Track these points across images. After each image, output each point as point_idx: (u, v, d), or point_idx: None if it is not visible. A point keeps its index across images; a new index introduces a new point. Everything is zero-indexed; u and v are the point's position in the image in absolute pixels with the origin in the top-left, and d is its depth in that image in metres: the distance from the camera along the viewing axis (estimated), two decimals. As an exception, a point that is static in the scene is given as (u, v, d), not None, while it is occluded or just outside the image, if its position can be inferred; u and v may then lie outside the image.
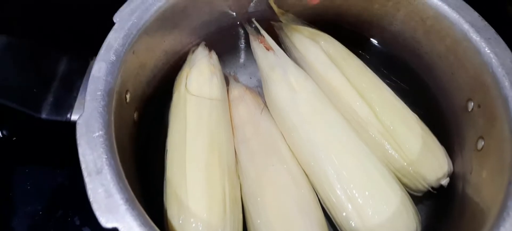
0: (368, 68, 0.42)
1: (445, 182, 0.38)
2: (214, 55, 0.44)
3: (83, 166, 0.27)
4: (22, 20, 0.39)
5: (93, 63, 0.32)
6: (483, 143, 0.35)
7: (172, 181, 0.34)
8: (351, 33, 0.45)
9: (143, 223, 0.25)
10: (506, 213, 0.27)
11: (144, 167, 0.36)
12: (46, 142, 0.43)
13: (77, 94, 0.32)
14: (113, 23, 0.34)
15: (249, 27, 0.46)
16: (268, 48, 0.44)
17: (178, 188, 0.33)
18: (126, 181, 0.27)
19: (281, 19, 0.46)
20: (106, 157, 0.27)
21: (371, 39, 0.46)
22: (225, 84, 0.44)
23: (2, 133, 0.43)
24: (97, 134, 0.28)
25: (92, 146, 0.27)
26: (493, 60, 0.34)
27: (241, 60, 0.50)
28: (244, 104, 0.42)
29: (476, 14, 0.37)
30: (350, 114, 0.40)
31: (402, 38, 0.44)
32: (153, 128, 0.40)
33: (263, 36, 0.45)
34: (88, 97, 0.30)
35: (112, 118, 0.30)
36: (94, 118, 0.29)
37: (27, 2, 0.39)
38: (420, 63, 0.43)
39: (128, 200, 0.26)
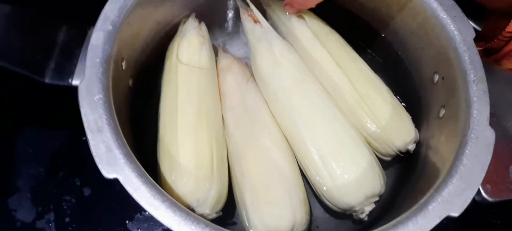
0: (347, 44, 0.46)
1: (411, 147, 0.42)
2: (203, 27, 0.47)
3: (85, 125, 0.30)
4: None
5: (91, 33, 0.34)
6: (444, 111, 0.39)
7: (164, 141, 0.38)
8: (334, 9, 0.48)
9: (140, 174, 0.29)
10: (454, 170, 0.32)
11: (139, 129, 0.39)
12: (46, 106, 0.46)
13: (76, 61, 0.34)
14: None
15: (239, 1, 0.49)
16: (256, 21, 0.47)
17: (170, 148, 0.37)
18: (124, 139, 0.31)
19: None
20: (106, 117, 0.31)
21: (352, 13, 0.49)
22: (214, 55, 0.47)
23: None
24: (97, 97, 0.31)
25: (93, 108, 0.31)
26: (457, 36, 0.38)
27: (230, 32, 0.53)
28: (231, 74, 0.46)
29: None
30: (329, 84, 0.44)
31: (378, 14, 0.47)
32: (147, 93, 0.43)
33: (252, 10, 0.48)
34: (88, 63, 0.32)
35: (110, 83, 0.33)
36: (94, 83, 0.32)
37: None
38: (395, 38, 0.47)
39: (126, 155, 0.29)
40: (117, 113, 0.33)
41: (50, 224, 0.42)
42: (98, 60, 0.33)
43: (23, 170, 0.44)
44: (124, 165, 0.29)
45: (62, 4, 0.42)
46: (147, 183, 0.29)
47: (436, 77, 0.41)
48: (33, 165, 0.44)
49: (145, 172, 0.30)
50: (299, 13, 0.46)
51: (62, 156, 0.44)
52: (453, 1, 0.40)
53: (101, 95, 0.31)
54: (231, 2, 0.50)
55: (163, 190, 0.29)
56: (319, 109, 0.41)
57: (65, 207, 0.43)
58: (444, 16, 0.39)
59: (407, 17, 0.44)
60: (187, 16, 0.47)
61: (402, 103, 0.44)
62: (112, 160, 0.29)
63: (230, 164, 0.41)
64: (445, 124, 0.39)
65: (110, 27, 0.35)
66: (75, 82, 0.33)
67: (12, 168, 0.43)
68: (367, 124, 0.42)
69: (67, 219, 0.42)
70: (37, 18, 0.35)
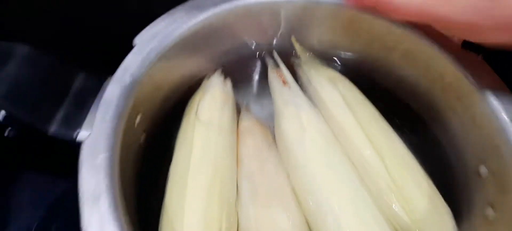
0: (382, 117, 0.42)
1: (449, 247, 0.37)
2: (228, 83, 0.44)
3: (81, 190, 0.27)
4: (45, 31, 0.40)
5: (107, 83, 0.32)
6: (492, 212, 0.34)
7: (169, 210, 0.34)
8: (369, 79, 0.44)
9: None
10: None
11: (146, 192, 0.36)
12: (49, 149, 0.43)
13: (87, 113, 0.32)
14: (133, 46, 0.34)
15: (269, 60, 0.46)
16: (284, 82, 0.44)
17: (175, 219, 0.33)
18: (122, 212, 0.27)
19: (301, 57, 0.46)
20: (106, 183, 0.27)
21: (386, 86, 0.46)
22: (235, 114, 0.44)
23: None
24: (100, 158, 0.28)
25: (94, 170, 0.28)
26: (511, 128, 0.33)
27: (256, 90, 0.50)
28: (252, 137, 0.42)
29: (497, 77, 0.36)
30: (359, 161, 0.39)
31: (418, 89, 0.43)
32: (160, 152, 0.40)
33: (281, 70, 0.45)
34: (97, 119, 0.30)
35: (118, 143, 0.30)
36: (100, 141, 0.29)
37: (52, 14, 0.40)
38: (434, 117, 0.42)
39: (121, 233, 0.26)
40: (122, 176, 0.30)
41: None
42: (109, 116, 0.30)
43: (14, 219, 0.40)
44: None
45: (84, 48, 0.41)
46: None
47: (483, 170, 0.36)
48: (26, 215, 0.40)
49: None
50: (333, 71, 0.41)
51: (58, 207, 0.41)
52: (506, 87, 0.36)
53: (105, 156, 0.28)
54: (260, 60, 0.48)
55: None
56: (345, 188, 0.37)
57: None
58: (496, 103, 0.35)
59: (451, 97, 0.40)
60: (214, 71, 0.44)
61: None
62: (105, 237, 0.25)
63: (240, 243, 0.36)
64: (495, 228, 0.33)
65: (128, 80, 0.32)
66: (80, 137, 0.31)
67: (3, 218, 0.40)
68: (399, 214, 0.37)
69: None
70: (56, 63, 0.34)
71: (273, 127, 0.44)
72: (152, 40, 0.34)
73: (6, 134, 0.32)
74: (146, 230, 0.31)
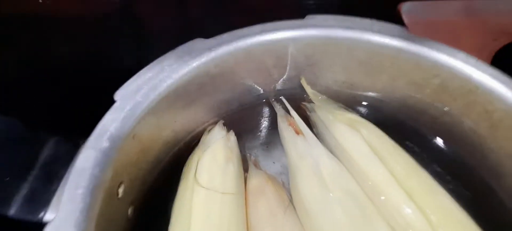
0: (419, 165, 0.35)
1: None
2: (232, 137, 0.38)
3: None
4: (8, 92, 0.35)
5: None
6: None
7: None
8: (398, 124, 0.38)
9: None
10: None
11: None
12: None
13: (57, 187, 0.25)
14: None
15: (277, 106, 0.40)
16: (297, 132, 0.38)
17: None
18: None
19: (313, 100, 0.40)
20: None
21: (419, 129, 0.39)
22: (242, 173, 0.37)
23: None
24: (67, 248, 0.21)
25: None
26: None
27: (264, 141, 0.43)
28: (264, 199, 0.35)
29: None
30: (397, 222, 0.32)
31: (458, 129, 0.36)
32: (152, 225, 0.33)
33: (293, 118, 0.39)
34: (65, 196, 0.23)
35: (92, 225, 0.23)
36: (67, 226, 0.22)
37: (18, 74, 0.35)
38: (484, 164, 0.35)
39: None
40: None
41: None
42: (80, 191, 0.24)
43: None
44: None
45: (56, 110, 0.35)
46: None
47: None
48: None
49: None
50: (353, 113, 0.35)
51: None
52: None
53: (74, 246, 0.22)
54: (266, 108, 0.42)
55: None
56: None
57: None
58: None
59: (502, 136, 0.33)
60: (214, 124, 0.38)
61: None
62: None
63: None
64: None
65: (106, 144, 0.26)
66: (47, 217, 0.24)
67: None
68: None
69: None
70: (22, 130, 0.28)
71: (289, 184, 0.37)
72: (136, 94, 0.29)
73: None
74: None
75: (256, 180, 0.37)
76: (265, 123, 0.44)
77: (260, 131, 0.44)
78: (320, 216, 0.32)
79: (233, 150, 0.37)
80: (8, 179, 0.26)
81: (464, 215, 0.32)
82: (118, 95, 0.29)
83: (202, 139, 0.37)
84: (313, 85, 0.40)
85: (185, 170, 0.35)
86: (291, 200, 0.36)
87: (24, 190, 0.26)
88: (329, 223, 0.31)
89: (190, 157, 0.36)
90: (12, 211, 0.25)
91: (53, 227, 0.22)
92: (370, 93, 0.40)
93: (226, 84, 0.36)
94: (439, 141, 0.37)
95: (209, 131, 0.38)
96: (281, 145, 0.40)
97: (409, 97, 0.37)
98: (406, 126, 0.39)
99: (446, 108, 0.35)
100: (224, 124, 0.39)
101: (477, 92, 0.32)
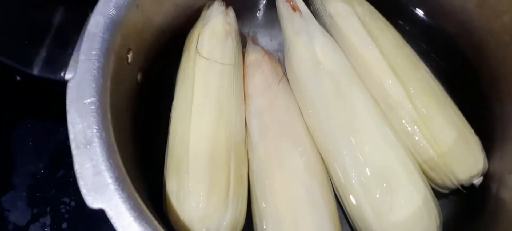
0: (406, 43, 0.37)
1: (477, 181, 0.34)
2: (231, 13, 0.39)
3: (71, 137, 0.24)
4: None
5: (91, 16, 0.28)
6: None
7: (173, 154, 0.31)
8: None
9: (133, 207, 0.23)
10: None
11: (146, 134, 0.33)
12: (48, 95, 0.41)
13: (72, 50, 0.28)
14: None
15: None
16: (295, 8, 0.39)
17: (180, 162, 0.30)
18: (118, 157, 0.24)
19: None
20: (97, 127, 0.24)
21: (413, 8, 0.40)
22: (241, 47, 0.39)
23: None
24: (88, 101, 0.25)
25: (83, 114, 0.24)
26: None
27: (262, 19, 0.45)
28: (260, 71, 0.38)
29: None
30: (380, 94, 0.35)
31: (450, 8, 0.38)
32: (159, 91, 0.36)
33: (291, -6, 0.40)
34: (81, 57, 0.26)
35: (108, 82, 0.27)
36: (86, 82, 0.25)
37: None
38: (468, 41, 0.37)
39: (118, 179, 0.23)
40: (118, 118, 0.27)
41: (46, 229, 0.37)
42: (94, 52, 0.26)
43: (20, 166, 0.39)
44: (114, 192, 0.23)
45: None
46: (141, 219, 0.23)
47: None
48: (32, 160, 0.39)
49: (142, 203, 0.23)
50: None
51: (64, 152, 0.39)
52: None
53: (94, 99, 0.25)
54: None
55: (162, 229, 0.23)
56: (366, 126, 0.33)
57: (63, 210, 0.38)
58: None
59: (487, 14, 0.34)
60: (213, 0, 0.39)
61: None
62: (99, 185, 0.23)
63: (250, 184, 0.34)
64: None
65: (113, 12, 0.28)
66: (68, 76, 0.27)
67: (9, 162, 0.39)
68: (423, 148, 0.33)
69: (64, 225, 0.37)
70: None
71: (284, 59, 0.40)
72: (138, -38, 0.29)
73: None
74: (148, 173, 0.28)
75: (253, 54, 0.40)
76: (264, 1, 0.44)
77: (260, 9, 0.45)
78: (311, 86, 0.35)
79: (232, 24, 0.38)
80: (27, 43, 0.28)
81: (440, 87, 0.36)
82: (120, -36, 0.29)
83: (202, 14, 0.39)
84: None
85: (187, 42, 0.37)
86: (285, 73, 0.39)
87: (43, 52, 0.28)
88: (318, 93, 0.35)
89: (192, 30, 0.38)
90: (36, 71, 0.28)
91: (74, 83, 0.25)
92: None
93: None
94: (430, 19, 0.39)
95: (209, 6, 0.39)
96: (279, 23, 0.41)
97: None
98: (399, 4, 0.40)
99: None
100: (223, 0, 0.39)
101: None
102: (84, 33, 0.28)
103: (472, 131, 0.35)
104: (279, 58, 0.41)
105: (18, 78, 0.41)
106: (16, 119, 0.41)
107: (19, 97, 0.42)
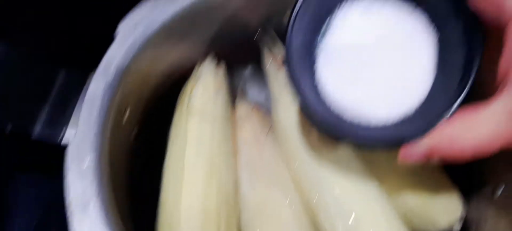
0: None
1: (457, 227, 0.36)
2: (221, 69, 0.42)
3: (68, 200, 0.25)
4: (23, 27, 0.37)
5: (91, 79, 0.30)
6: (502, 189, 0.33)
7: (165, 208, 0.33)
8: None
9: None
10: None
11: (140, 189, 0.35)
12: (42, 149, 0.42)
13: (72, 112, 0.30)
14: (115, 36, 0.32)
15: (264, 40, 0.44)
16: (280, 65, 0.42)
17: (171, 217, 0.32)
18: (116, 217, 0.25)
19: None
20: (96, 187, 0.26)
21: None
22: (230, 101, 0.42)
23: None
24: (87, 161, 0.26)
25: (81, 175, 0.26)
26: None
27: (252, 72, 0.47)
28: (250, 124, 0.40)
29: None
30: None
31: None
32: (153, 146, 0.38)
33: (276, 53, 0.42)
34: (81, 119, 0.28)
35: (106, 144, 0.28)
36: (85, 145, 0.27)
37: (29, 8, 0.37)
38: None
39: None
40: (114, 177, 0.28)
41: None
42: (94, 115, 0.28)
43: (15, 218, 0.39)
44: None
45: (64, 43, 0.38)
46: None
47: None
48: (23, 215, 0.39)
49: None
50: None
51: (57, 209, 0.39)
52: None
53: (92, 159, 0.27)
54: (256, 41, 0.45)
55: None
56: (349, 177, 0.35)
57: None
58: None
59: None
60: (205, 56, 0.42)
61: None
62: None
63: (242, 233, 0.35)
64: (505, 204, 0.32)
65: (112, 74, 0.30)
66: (66, 139, 0.29)
67: (4, 216, 0.39)
68: (407, 197, 0.35)
69: None
70: (35, 60, 0.31)
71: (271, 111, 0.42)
72: (135, 28, 0.32)
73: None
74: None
75: (243, 107, 0.42)
76: (253, 56, 0.47)
77: (249, 63, 0.48)
78: (296, 142, 0.37)
79: (222, 81, 0.41)
80: (29, 105, 0.30)
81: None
82: (119, 30, 0.32)
83: (195, 70, 0.41)
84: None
85: (180, 98, 0.39)
86: (272, 125, 0.41)
87: (43, 115, 0.30)
88: (302, 148, 0.37)
89: (184, 86, 0.40)
90: (36, 132, 0.29)
91: (74, 146, 0.27)
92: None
93: (215, 21, 0.38)
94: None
95: (201, 63, 0.41)
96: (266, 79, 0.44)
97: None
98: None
99: None
100: (215, 57, 0.42)
101: None
102: (83, 95, 0.29)
103: (449, 179, 0.37)
104: (268, 110, 0.43)
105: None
106: (8, 173, 0.41)
107: (8, 153, 0.42)
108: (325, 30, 0.29)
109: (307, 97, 0.27)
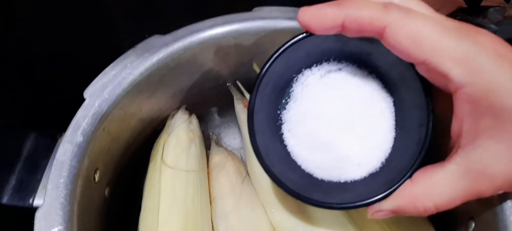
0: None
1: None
2: (194, 120, 0.43)
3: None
4: None
5: (60, 141, 0.30)
6: (473, 225, 0.33)
7: (141, 268, 0.32)
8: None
9: None
10: None
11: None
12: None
13: (41, 176, 0.30)
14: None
15: (234, 90, 0.45)
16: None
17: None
18: None
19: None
20: (64, 256, 0.25)
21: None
22: (204, 153, 0.42)
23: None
24: (56, 230, 0.26)
25: (50, 244, 0.26)
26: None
27: (225, 120, 0.48)
28: (225, 173, 0.41)
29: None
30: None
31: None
32: (127, 203, 0.38)
33: (247, 99, 0.44)
34: (49, 185, 0.28)
35: (75, 207, 0.28)
36: (54, 210, 0.27)
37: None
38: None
39: None
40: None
41: None
42: (62, 180, 0.28)
43: None
44: None
45: (33, 108, 0.39)
46: None
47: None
48: None
49: None
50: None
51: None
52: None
53: (61, 227, 0.26)
54: (226, 90, 0.46)
55: None
56: (329, 224, 0.35)
57: None
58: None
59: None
60: (177, 109, 0.43)
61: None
62: None
63: None
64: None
65: (80, 138, 0.30)
66: (36, 203, 0.29)
67: None
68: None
69: None
70: (3, 125, 0.32)
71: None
72: (103, 91, 0.33)
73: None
74: None
75: (217, 156, 0.42)
76: (224, 104, 0.48)
77: (221, 111, 0.49)
78: (272, 186, 0.38)
79: (195, 131, 0.41)
80: (-3, 172, 0.30)
81: None
82: (87, 93, 0.33)
83: (167, 123, 0.42)
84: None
85: (153, 152, 0.40)
86: (247, 171, 0.41)
87: (12, 180, 0.30)
88: (279, 192, 0.37)
89: (157, 140, 0.40)
90: (5, 199, 0.29)
91: (43, 212, 0.27)
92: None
93: (184, 74, 0.40)
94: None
95: (173, 115, 0.42)
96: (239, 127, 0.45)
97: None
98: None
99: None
100: (186, 108, 0.43)
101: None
102: (52, 160, 0.30)
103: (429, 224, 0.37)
104: (242, 157, 0.44)
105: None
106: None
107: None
108: (287, 99, 0.31)
109: (274, 167, 0.28)
